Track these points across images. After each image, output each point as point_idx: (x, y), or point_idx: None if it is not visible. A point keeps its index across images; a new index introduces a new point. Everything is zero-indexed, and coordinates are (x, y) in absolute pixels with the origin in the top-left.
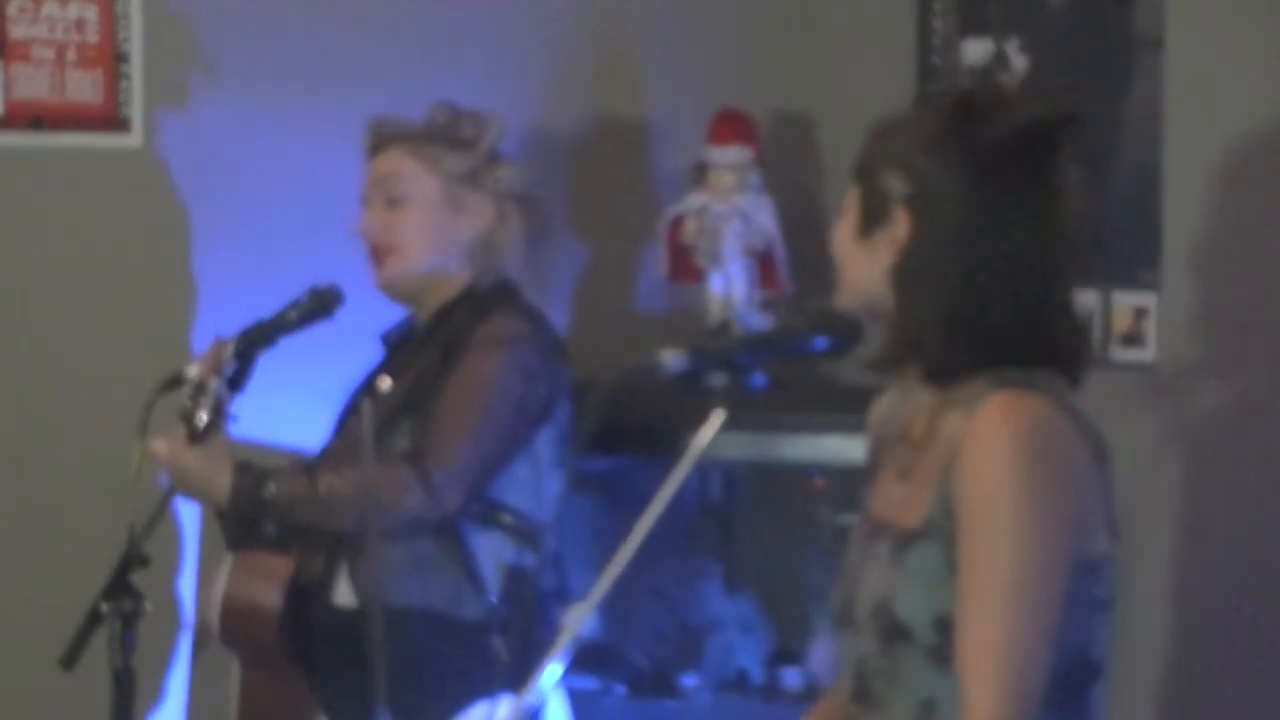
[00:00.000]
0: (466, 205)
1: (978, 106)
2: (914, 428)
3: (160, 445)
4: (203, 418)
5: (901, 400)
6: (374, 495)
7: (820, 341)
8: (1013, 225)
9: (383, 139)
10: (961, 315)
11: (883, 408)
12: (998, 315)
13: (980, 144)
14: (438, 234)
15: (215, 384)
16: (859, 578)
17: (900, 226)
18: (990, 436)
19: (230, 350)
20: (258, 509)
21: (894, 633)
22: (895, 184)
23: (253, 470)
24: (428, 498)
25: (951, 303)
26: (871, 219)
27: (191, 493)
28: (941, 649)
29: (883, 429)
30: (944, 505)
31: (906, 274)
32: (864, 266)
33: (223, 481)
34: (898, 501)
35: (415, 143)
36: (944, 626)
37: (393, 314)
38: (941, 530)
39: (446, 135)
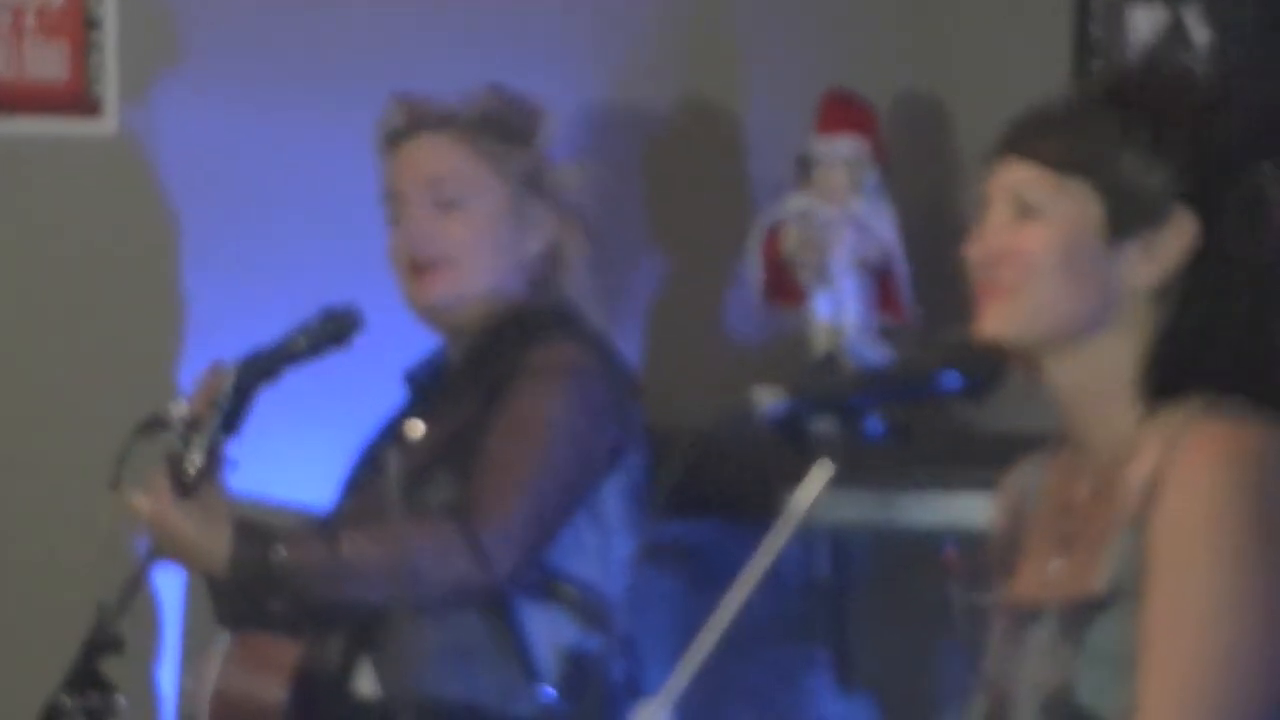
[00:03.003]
0: (531, 216)
1: (1234, 85)
2: (1074, 492)
3: (142, 500)
4: (195, 462)
5: (1041, 470)
6: (409, 560)
7: (954, 381)
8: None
9: (416, 123)
10: (1264, 338)
11: (1019, 481)
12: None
13: (1252, 136)
14: (501, 251)
15: (213, 422)
16: (1013, 674)
17: (1182, 231)
18: (1201, 472)
19: (231, 381)
20: (264, 578)
21: None
22: (1164, 179)
23: (257, 531)
24: (475, 563)
25: (1245, 334)
26: (1124, 223)
27: (181, 558)
28: None
29: (1021, 505)
30: (1135, 565)
31: (1202, 289)
32: (1083, 285)
33: (220, 544)
34: (1060, 575)
35: (468, 133)
36: None
37: (421, 343)
38: (1133, 597)
39: (504, 127)
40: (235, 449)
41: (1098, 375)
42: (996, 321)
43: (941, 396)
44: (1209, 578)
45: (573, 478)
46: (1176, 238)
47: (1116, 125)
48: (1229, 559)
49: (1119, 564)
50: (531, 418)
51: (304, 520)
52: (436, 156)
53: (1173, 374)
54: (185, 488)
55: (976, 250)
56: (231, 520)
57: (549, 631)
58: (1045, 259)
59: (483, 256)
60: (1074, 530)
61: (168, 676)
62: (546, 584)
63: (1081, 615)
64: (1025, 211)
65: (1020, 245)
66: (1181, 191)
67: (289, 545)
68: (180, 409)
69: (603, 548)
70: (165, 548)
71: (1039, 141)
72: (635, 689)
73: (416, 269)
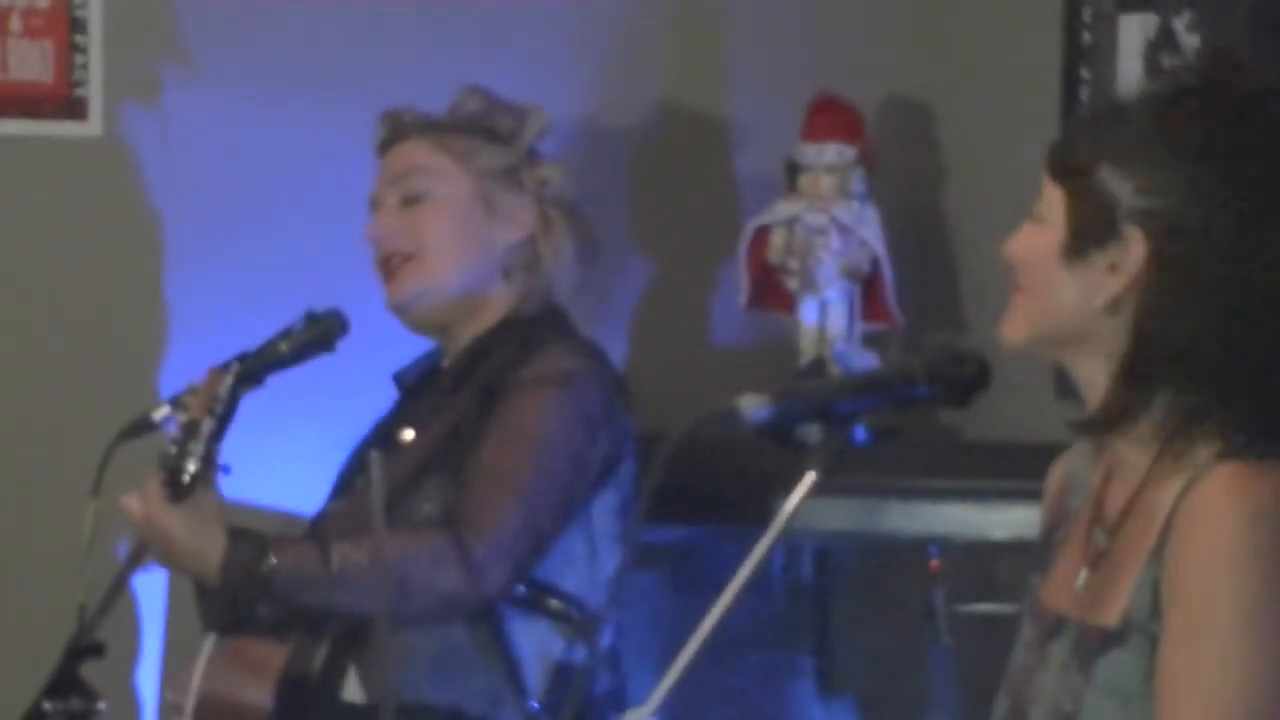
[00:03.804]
0: (503, 208)
1: (1241, 94)
2: (1107, 502)
3: (134, 503)
4: (191, 467)
5: (1089, 464)
6: (401, 570)
7: (939, 386)
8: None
9: (400, 131)
10: (1210, 369)
11: (1064, 470)
12: (1263, 381)
13: (1254, 149)
14: (467, 240)
15: (208, 426)
16: (1031, 686)
17: (1132, 251)
18: (1217, 516)
19: (228, 385)
20: (255, 585)
21: None
22: (1125, 194)
23: (250, 537)
24: (466, 575)
25: (1206, 360)
26: (1086, 236)
27: (173, 562)
28: None
29: (1064, 498)
30: (1150, 601)
31: (1145, 316)
32: (1069, 293)
33: (214, 549)
34: (1084, 593)
35: (441, 134)
36: None
37: (410, 345)
38: (1145, 632)
39: (479, 126)
40: (225, 453)
41: (1092, 391)
42: (1007, 327)
43: (928, 403)
44: (1227, 625)
45: (567, 491)
46: (1129, 256)
47: (1104, 138)
48: (1247, 606)
49: (1133, 599)
50: (527, 429)
51: (292, 524)
52: (407, 155)
53: (1133, 395)
54: (179, 492)
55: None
56: (225, 525)
57: (536, 643)
58: (1034, 263)
59: (448, 248)
60: (1104, 548)
61: (148, 681)
62: (534, 596)
63: (1093, 645)
64: (1035, 216)
65: (1016, 249)
66: (1139, 209)
67: (281, 552)
68: (164, 413)
69: (591, 560)
70: (158, 551)
71: (1057, 146)
72: (620, 701)
73: (387, 269)
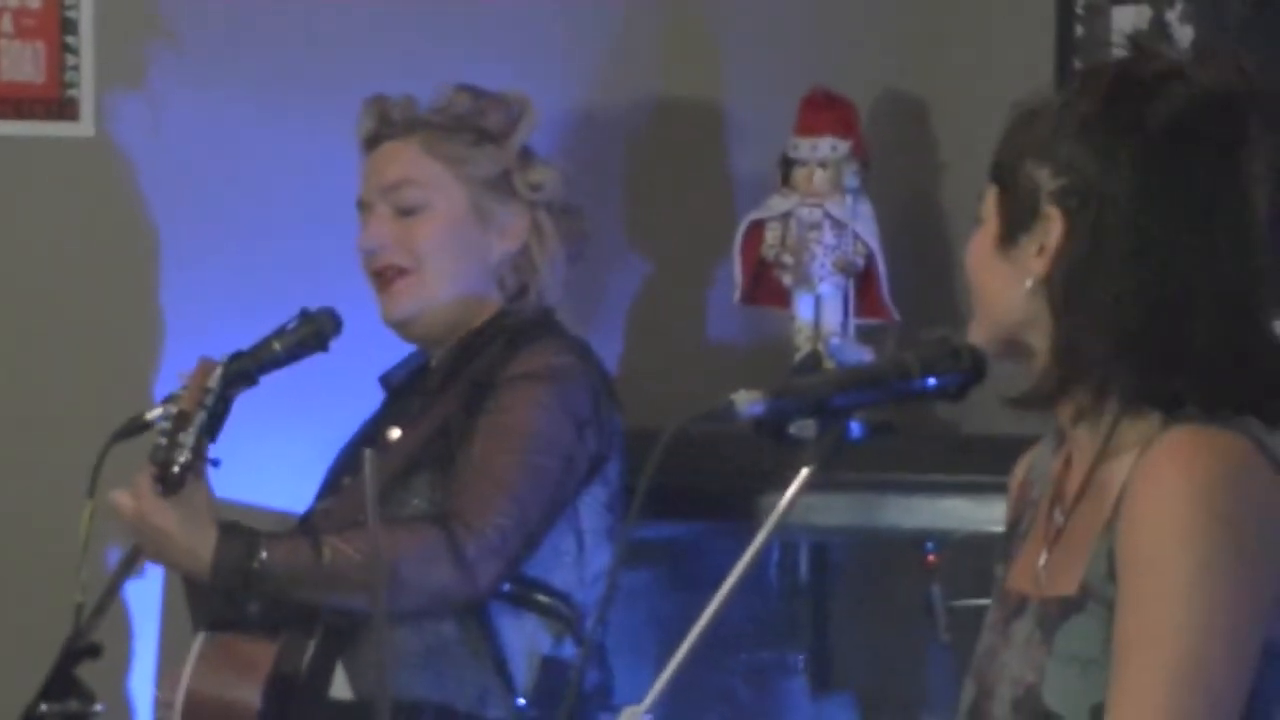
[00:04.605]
0: (496, 219)
1: (1143, 79)
2: (1067, 485)
3: (124, 499)
4: (180, 459)
5: (1052, 455)
6: (392, 567)
7: (935, 380)
8: (1194, 225)
9: (386, 127)
10: (1133, 336)
11: (1027, 464)
12: (1177, 336)
13: (1150, 124)
14: (463, 254)
15: (199, 418)
16: (995, 669)
17: (1052, 228)
18: (1166, 480)
19: (219, 377)
20: (246, 581)
21: None
22: (1044, 179)
23: (242, 532)
24: (458, 572)
25: (1121, 320)
26: (1015, 224)
27: (164, 556)
28: None
29: (1026, 490)
30: (1105, 567)
31: (1064, 285)
32: (1005, 283)
33: (205, 545)
34: (1044, 571)
35: (431, 136)
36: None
37: (403, 349)
38: (1102, 599)
39: (470, 127)
40: (216, 449)
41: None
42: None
43: (924, 397)
44: (1177, 588)
45: (556, 488)
46: (1050, 235)
47: (1028, 132)
48: (1197, 569)
49: (1089, 567)
50: (518, 426)
51: (282, 522)
52: (396, 164)
53: (1066, 365)
54: (170, 485)
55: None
56: (217, 521)
57: (524, 639)
58: (975, 263)
59: (444, 262)
60: (1061, 525)
61: (143, 684)
62: (523, 592)
63: (1054, 615)
64: (977, 219)
65: (966, 257)
66: (1056, 190)
67: (272, 548)
68: (158, 413)
69: (579, 557)
70: (148, 546)
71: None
72: (607, 697)
73: (381, 280)
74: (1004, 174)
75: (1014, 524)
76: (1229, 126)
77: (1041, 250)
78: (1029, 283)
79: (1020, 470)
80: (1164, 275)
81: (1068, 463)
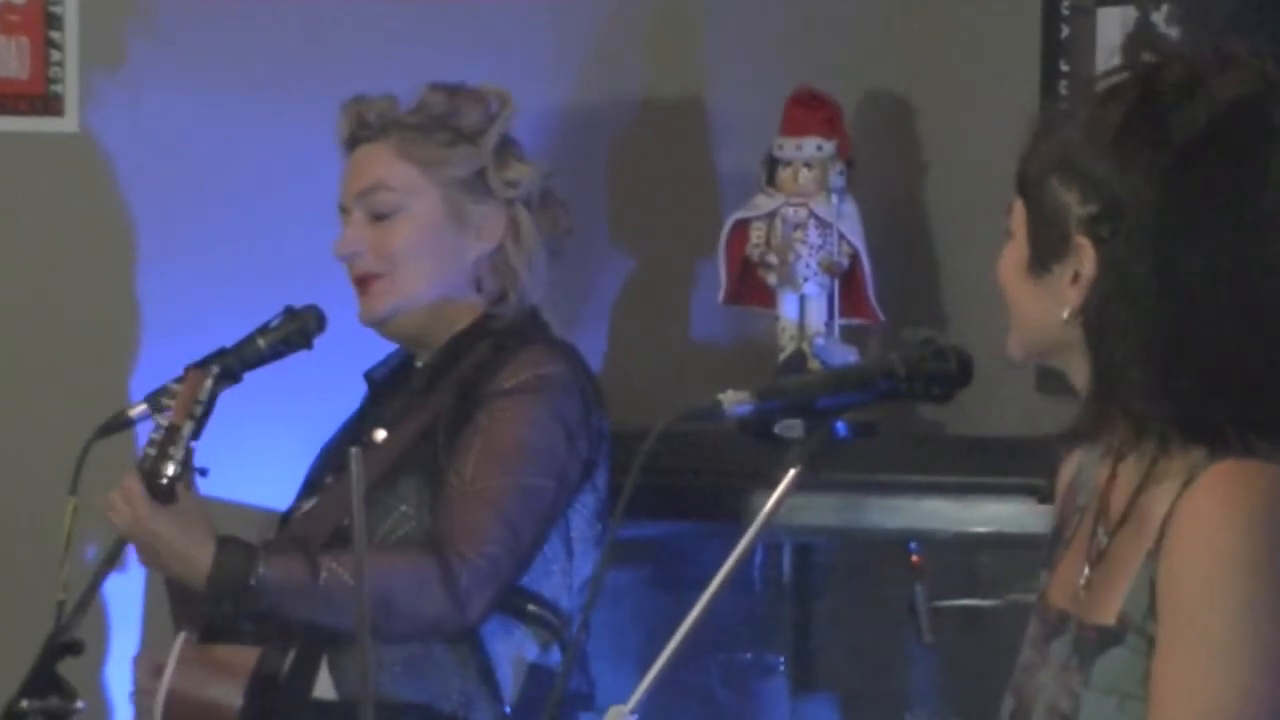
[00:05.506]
0: (471, 219)
1: (1168, 86)
2: (1111, 501)
3: (119, 502)
4: (171, 470)
5: (1099, 459)
6: (384, 593)
7: (920, 381)
8: (1227, 242)
9: (361, 130)
10: (1173, 366)
11: (1074, 467)
12: (1215, 367)
13: (1176, 140)
14: (437, 255)
15: (189, 428)
16: (1032, 687)
17: (1084, 259)
18: (1210, 515)
19: (208, 389)
20: (241, 594)
21: None
22: (1072, 202)
23: (240, 546)
24: (450, 602)
25: (1160, 352)
26: (1047, 251)
27: (160, 566)
28: None
29: (1073, 495)
30: (1146, 600)
31: (1099, 318)
32: (1041, 308)
33: (203, 555)
34: (1084, 592)
35: (405, 138)
36: None
37: (387, 346)
38: (1141, 632)
39: (444, 127)
40: (202, 453)
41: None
42: (1007, 344)
43: (908, 396)
44: (1216, 622)
45: (549, 504)
46: (1085, 267)
47: (1052, 146)
48: (1235, 603)
49: (1129, 599)
50: (508, 444)
51: (264, 519)
52: (370, 168)
53: (1104, 403)
54: (162, 495)
55: None
56: (213, 531)
57: (510, 646)
58: (1007, 280)
59: (419, 264)
60: (1104, 545)
61: (124, 679)
62: (511, 601)
63: (1091, 644)
64: (1007, 230)
65: (999, 269)
66: (1084, 218)
67: (269, 563)
68: (141, 410)
69: (568, 565)
70: (145, 555)
71: (1021, 157)
72: (588, 701)
73: (358, 283)
74: (1030, 189)
75: (1058, 530)
76: (1255, 136)
77: (1076, 279)
78: (1065, 314)
79: (1066, 473)
80: (1198, 306)
81: (1112, 476)
